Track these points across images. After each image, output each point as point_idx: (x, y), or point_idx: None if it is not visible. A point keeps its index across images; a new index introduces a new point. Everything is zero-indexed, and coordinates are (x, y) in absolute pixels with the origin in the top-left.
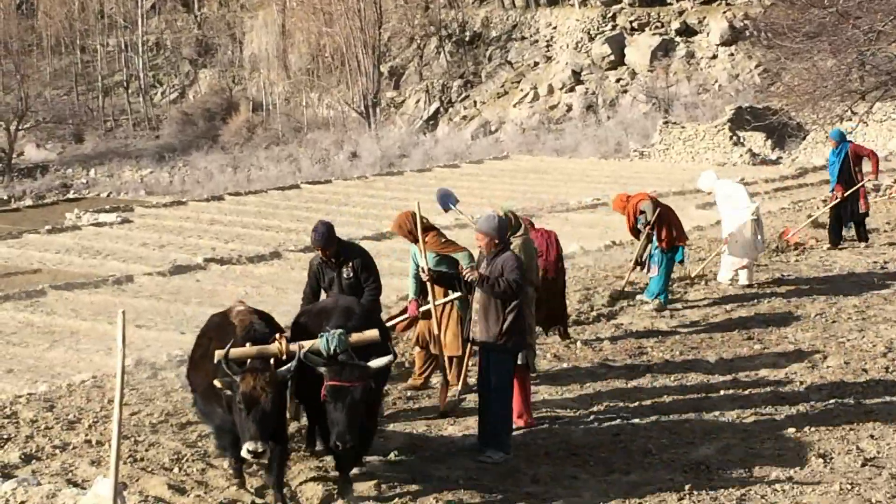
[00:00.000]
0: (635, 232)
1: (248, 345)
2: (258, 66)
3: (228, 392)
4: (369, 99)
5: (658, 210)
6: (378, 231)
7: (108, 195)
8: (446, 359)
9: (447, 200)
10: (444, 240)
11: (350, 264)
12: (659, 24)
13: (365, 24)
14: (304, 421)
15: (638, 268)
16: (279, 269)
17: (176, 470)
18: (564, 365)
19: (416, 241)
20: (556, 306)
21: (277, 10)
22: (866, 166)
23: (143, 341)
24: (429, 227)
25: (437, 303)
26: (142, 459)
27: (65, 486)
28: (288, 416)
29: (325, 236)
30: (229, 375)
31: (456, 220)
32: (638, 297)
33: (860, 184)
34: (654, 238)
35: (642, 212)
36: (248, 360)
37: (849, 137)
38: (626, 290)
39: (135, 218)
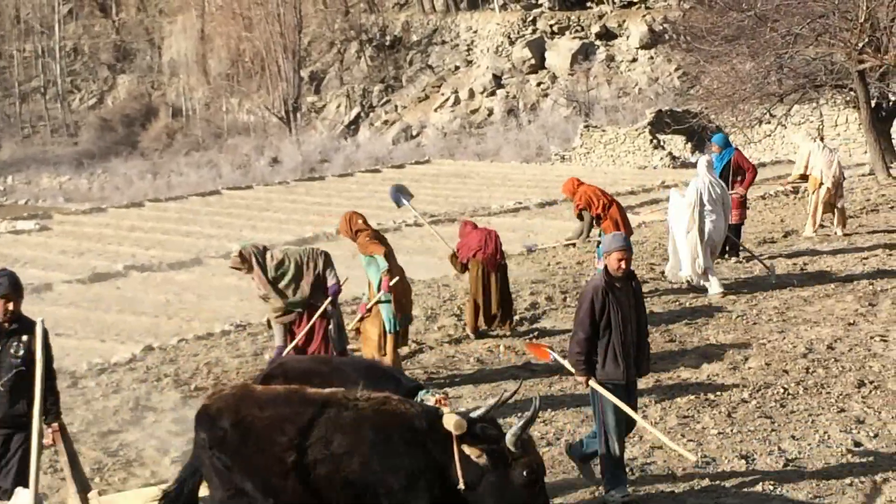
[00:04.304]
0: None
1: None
2: (177, 72)
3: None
4: (290, 104)
5: (608, 209)
6: (300, 237)
7: (26, 202)
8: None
9: (399, 196)
10: (368, 239)
11: (25, 338)
12: (579, 28)
13: (285, 28)
14: None
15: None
16: (200, 275)
17: (97, 479)
18: (487, 368)
19: (353, 240)
20: (499, 301)
21: (196, 14)
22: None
23: (62, 350)
24: (362, 229)
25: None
26: (62, 469)
27: None
28: None
29: (15, 283)
30: (517, 446)
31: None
32: None
33: (733, 192)
34: (602, 232)
35: (587, 209)
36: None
37: (733, 143)
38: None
39: (53, 225)
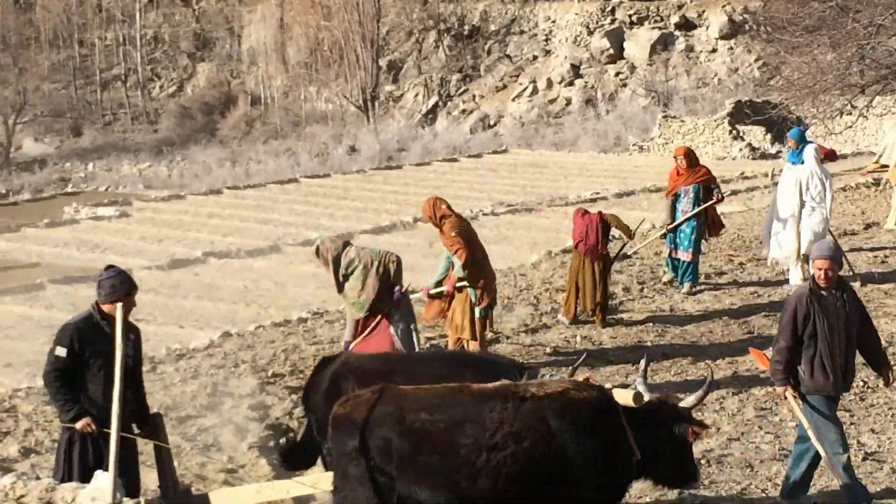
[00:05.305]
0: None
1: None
2: (256, 60)
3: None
4: (368, 93)
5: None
6: (377, 225)
7: (107, 189)
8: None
9: None
10: (454, 233)
11: (132, 336)
12: (658, 18)
13: (363, 17)
14: None
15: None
16: (277, 262)
17: (175, 464)
18: (562, 359)
19: (436, 226)
20: (593, 292)
21: (276, 3)
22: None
23: (142, 335)
24: (447, 215)
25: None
26: (141, 453)
27: None
28: None
29: (130, 277)
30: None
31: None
32: (675, 284)
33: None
34: (699, 222)
35: (714, 188)
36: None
37: (814, 139)
38: (627, 251)
39: (133, 212)
